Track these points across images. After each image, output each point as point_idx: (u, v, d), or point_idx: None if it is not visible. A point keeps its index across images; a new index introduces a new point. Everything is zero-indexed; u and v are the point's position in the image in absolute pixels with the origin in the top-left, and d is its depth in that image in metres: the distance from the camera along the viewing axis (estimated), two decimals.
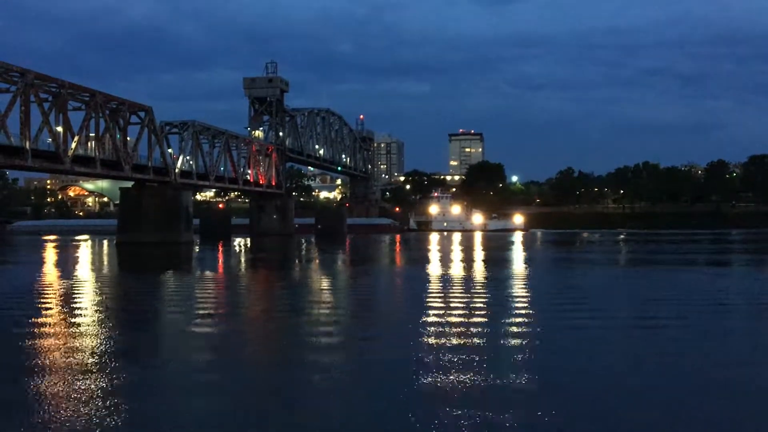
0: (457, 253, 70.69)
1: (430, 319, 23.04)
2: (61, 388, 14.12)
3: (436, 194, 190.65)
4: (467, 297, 30.15)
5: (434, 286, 35.46)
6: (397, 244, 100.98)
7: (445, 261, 57.34)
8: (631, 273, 47.68)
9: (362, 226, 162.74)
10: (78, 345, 18.89)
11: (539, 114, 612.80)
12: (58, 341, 19.54)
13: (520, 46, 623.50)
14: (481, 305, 27.26)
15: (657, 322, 23.30)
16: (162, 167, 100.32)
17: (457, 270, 46.72)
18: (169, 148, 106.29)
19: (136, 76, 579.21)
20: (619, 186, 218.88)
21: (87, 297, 31.42)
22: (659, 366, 16.38)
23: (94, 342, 19.50)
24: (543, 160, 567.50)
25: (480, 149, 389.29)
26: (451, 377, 14.96)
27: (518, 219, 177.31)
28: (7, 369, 16.22)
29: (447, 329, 21.09)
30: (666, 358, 17.26)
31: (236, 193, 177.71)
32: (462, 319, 23.14)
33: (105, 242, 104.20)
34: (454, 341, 19.10)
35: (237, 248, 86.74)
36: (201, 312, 26.29)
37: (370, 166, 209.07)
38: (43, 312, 25.81)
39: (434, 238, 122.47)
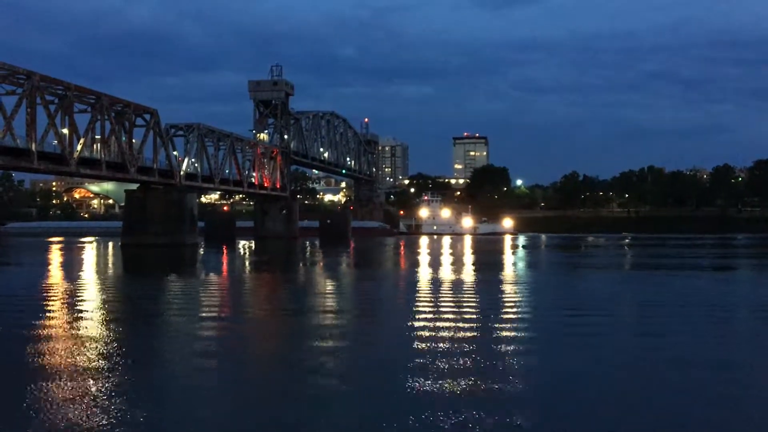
0: (446, 256, 70.80)
1: (429, 321, 23.17)
2: (68, 391, 14.28)
3: (426, 197, 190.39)
4: (456, 300, 30.29)
5: (430, 287, 35.61)
6: (401, 247, 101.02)
7: (435, 264, 57.41)
8: (633, 276, 47.67)
9: (354, 229, 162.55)
10: (85, 348, 19.07)
11: (543, 118, 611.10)
12: (61, 344, 19.71)
13: (524, 50, 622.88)
14: (473, 308, 27.39)
15: (657, 329, 23.36)
16: (167, 169, 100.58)
17: (446, 273, 46.78)
18: (174, 150, 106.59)
19: (139, 79, 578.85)
20: (624, 190, 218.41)
21: (91, 300, 31.61)
22: (655, 371, 16.44)
23: (101, 345, 19.68)
24: (547, 164, 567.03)
25: (484, 153, 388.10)
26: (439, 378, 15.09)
27: (507, 223, 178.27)
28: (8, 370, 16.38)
29: (442, 331, 21.23)
30: (662, 359, 17.29)
31: (241, 195, 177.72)
32: (451, 324, 23.29)
33: (110, 244, 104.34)
34: (444, 345, 19.24)
35: (241, 251, 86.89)
36: (203, 315, 26.50)
37: (374, 169, 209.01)
38: (44, 313, 26.00)
39: (424, 241, 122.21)
